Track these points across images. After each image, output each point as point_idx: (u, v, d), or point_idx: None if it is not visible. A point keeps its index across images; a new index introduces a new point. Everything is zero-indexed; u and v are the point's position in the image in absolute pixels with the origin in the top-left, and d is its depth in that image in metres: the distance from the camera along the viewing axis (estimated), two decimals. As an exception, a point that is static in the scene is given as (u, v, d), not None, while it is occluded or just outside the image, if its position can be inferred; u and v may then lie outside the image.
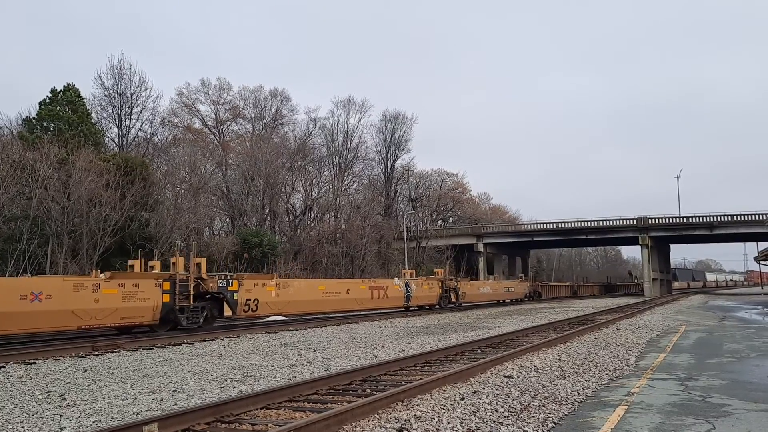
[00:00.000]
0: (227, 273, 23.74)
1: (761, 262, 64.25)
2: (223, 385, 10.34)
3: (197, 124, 68.31)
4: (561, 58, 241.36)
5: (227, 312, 22.57)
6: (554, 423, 7.61)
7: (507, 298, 52.36)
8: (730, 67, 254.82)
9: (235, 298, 22.60)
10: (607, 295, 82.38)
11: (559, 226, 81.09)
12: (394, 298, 32.67)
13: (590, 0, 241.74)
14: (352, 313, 30.66)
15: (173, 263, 21.77)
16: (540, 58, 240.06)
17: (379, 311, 32.81)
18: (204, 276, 22.19)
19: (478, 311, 37.19)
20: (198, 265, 22.25)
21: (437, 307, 37.38)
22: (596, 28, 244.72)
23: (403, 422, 7.14)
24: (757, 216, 69.80)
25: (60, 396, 9.58)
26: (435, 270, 42.82)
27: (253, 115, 72.32)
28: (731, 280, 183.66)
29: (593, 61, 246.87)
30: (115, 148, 51.03)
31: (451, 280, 40.66)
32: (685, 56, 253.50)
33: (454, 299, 39.53)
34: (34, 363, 13.86)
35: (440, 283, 38.21)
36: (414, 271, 39.71)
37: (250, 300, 23.20)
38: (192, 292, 21.32)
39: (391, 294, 32.25)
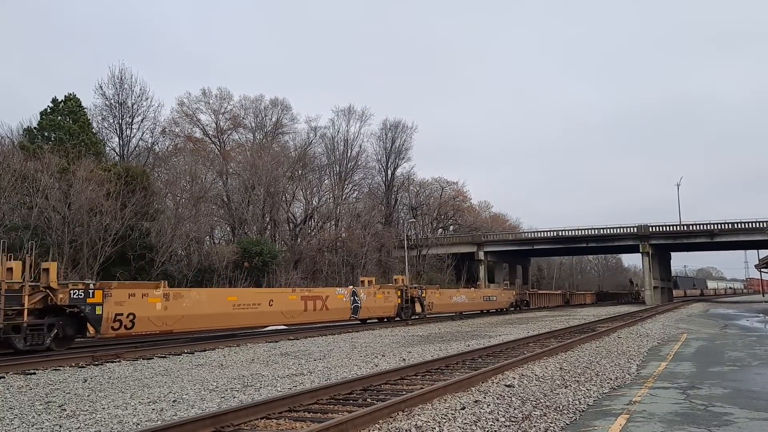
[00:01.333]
0: (90, 282, 20.04)
1: (762, 269, 64.17)
2: (223, 395, 10.31)
3: (198, 134, 68.46)
4: (561, 66, 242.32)
5: (91, 330, 18.37)
6: (556, 432, 7.57)
7: (487, 308, 47.82)
8: (729, 74, 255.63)
9: (98, 312, 18.15)
10: (599, 304, 79.15)
11: (560, 234, 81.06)
12: (336, 311, 28.21)
13: (589, 9, 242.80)
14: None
15: (7, 268, 17.28)
16: (540, 66, 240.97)
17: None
18: (53, 285, 17.86)
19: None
20: (46, 270, 18.10)
21: (397, 319, 33.22)
22: (596, 37, 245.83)
23: (404, 432, 7.10)
24: (757, 224, 69.79)
25: (60, 406, 9.54)
26: (395, 277, 38.45)
27: (253, 125, 72.50)
28: (730, 288, 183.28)
29: (593, 69, 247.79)
30: (116, 158, 51.15)
31: (414, 288, 36.60)
32: (685, 63, 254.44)
33: (418, 310, 35.38)
34: (34, 373, 13.83)
35: (399, 292, 33.72)
36: (374, 279, 35.37)
37: (122, 315, 18.68)
38: (29, 306, 17.10)
39: (333, 305, 27.83)
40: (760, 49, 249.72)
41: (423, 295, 36.04)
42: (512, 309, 52.14)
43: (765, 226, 66.62)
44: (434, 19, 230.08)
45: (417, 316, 35.51)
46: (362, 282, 33.27)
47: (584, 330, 24.98)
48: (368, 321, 31.73)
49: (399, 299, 33.48)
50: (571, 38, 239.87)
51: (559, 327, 27.09)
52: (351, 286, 32.52)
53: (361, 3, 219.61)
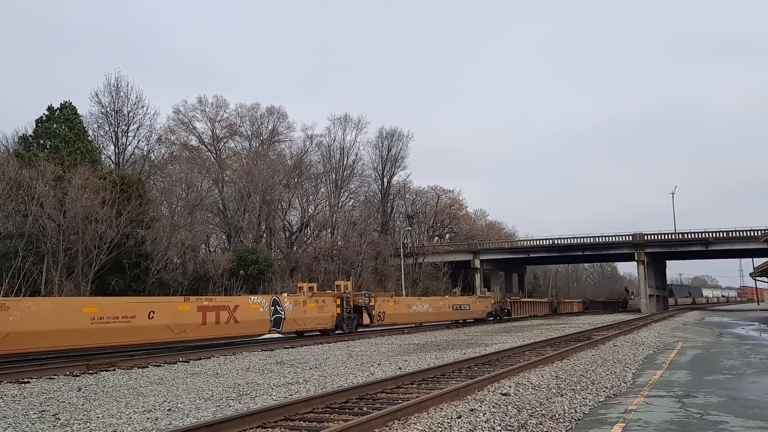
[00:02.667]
0: None
1: (757, 278, 64.36)
2: (218, 404, 10.27)
3: (194, 142, 68.49)
4: (557, 75, 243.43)
5: None
6: (552, 441, 7.57)
7: (459, 318, 42.84)
8: (724, 83, 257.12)
9: None
10: (587, 313, 75.90)
11: (555, 242, 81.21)
12: (249, 323, 23.62)
13: (585, 18, 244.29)
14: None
15: None
16: (536, 74, 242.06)
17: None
18: None
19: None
20: None
21: (338, 332, 29.03)
22: (591, 45, 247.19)
23: (400, 441, 7.08)
24: (752, 232, 70.04)
25: (54, 415, 9.49)
26: (336, 282, 33.88)
27: (249, 133, 72.59)
28: (723, 296, 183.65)
29: (588, 77, 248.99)
30: (112, 166, 51.12)
31: (360, 296, 31.67)
32: (680, 72, 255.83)
33: (366, 321, 31.05)
34: (28, 382, 13.75)
35: (339, 300, 29.24)
36: (315, 285, 30.97)
37: None
38: None
39: (245, 317, 23.25)
40: (755, 57, 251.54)
41: (371, 303, 31.57)
42: (491, 319, 47.24)
43: (760, 234, 66.82)
44: (429, 27, 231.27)
45: (366, 328, 31.46)
46: (300, 288, 29.18)
47: (580, 338, 24.98)
48: (305, 334, 27.86)
49: (339, 309, 28.99)
50: (567, 47, 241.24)
51: (555, 335, 27.09)
52: (272, 294, 28.38)
53: (358, 12, 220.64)
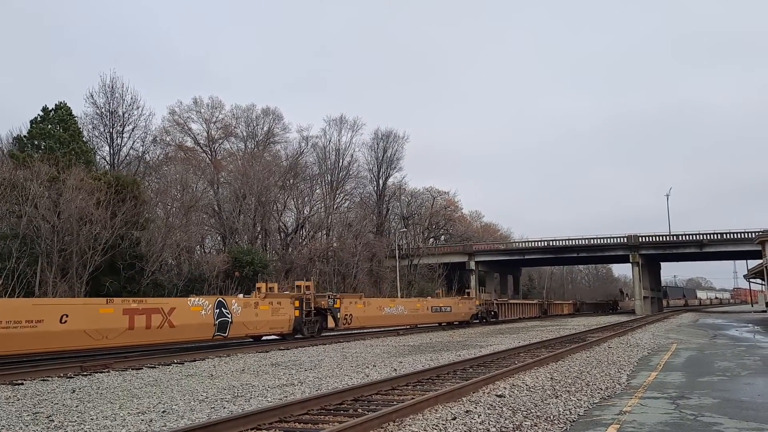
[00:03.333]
0: None
1: (751, 279, 64.63)
2: (213, 406, 10.25)
3: (189, 143, 68.40)
4: (553, 76, 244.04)
5: None
6: (546, 443, 7.58)
7: (440, 321, 40.43)
8: (721, 84, 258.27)
9: None
10: (577, 315, 74.45)
11: (551, 244, 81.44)
12: (187, 328, 21.12)
13: (582, 19, 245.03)
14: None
15: None
16: (532, 75, 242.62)
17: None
18: None
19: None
20: None
21: (298, 336, 26.84)
22: (588, 47, 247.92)
23: (395, 443, 7.08)
24: (745, 234, 70.36)
25: (48, 417, 9.46)
26: (297, 282, 31.18)
27: (245, 134, 72.54)
28: (716, 297, 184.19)
29: (585, 78, 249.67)
30: (107, 167, 50.94)
31: (323, 297, 29.33)
32: (676, 73, 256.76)
33: (331, 324, 28.91)
34: (22, 383, 13.70)
35: (297, 302, 26.82)
36: (276, 285, 28.37)
37: None
38: None
39: (182, 321, 20.80)
40: (751, 60, 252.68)
41: (336, 305, 29.20)
42: (476, 321, 45.14)
43: (753, 236, 67.13)
44: (427, 28, 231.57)
45: (331, 331, 29.47)
46: (258, 288, 26.59)
47: (574, 340, 25.04)
48: (263, 339, 26.13)
49: (297, 311, 26.61)
50: (564, 47, 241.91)
51: (550, 337, 27.15)
52: (217, 295, 25.95)
53: (353, 12, 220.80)
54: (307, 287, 28.91)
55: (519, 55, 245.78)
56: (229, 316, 23.14)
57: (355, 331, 31.63)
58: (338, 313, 29.16)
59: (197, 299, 22.62)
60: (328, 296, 29.61)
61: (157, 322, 20.09)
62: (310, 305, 27.75)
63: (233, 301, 23.85)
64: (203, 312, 22.14)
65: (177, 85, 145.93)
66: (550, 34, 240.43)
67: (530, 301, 67.32)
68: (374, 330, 33.25)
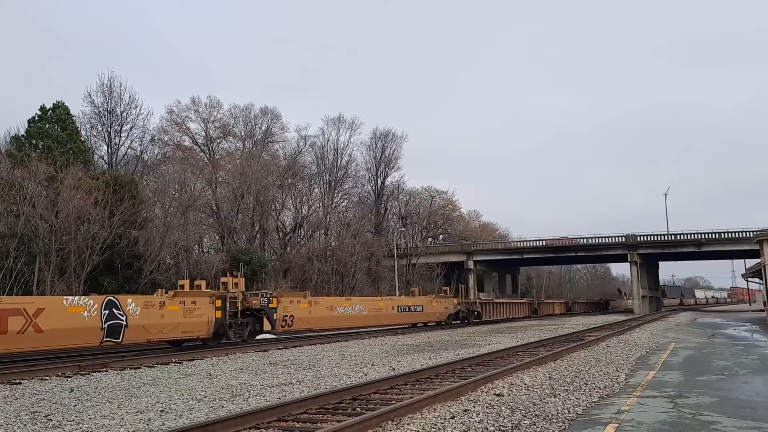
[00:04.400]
0: None
1: (748, 279, 64.69)
2: (211, 405, 10.24)
3: (187, 142, 68.25)
4: (550, 77, 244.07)
5: None
6: (545, 441, 7.59)
7: (408, 322, 36.95)
8: (717, 86, 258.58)
9: None
10: (569, 314, 71.33)
11: (549, 243, 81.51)
12: (60, 333, 17.79)
13: (579, 21, 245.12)
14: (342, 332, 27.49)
15: None
16: (529, 77, 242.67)
17: None
18: None
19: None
20: None
21: (225, 341, 23.79)
22: (585, 48, 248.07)
23: (394, 441, 7.08)
24: (743, 233, 70.44)
25: (46, 416, 9.45)
26: (222, 279, 26.56)
27: (243, 133, 72.41)
28: (712, 297, 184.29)
29: (582, 79, 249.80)
30: (105, 166, 50.90)
31: (255, 295, 26.07)
32: (673, 74, 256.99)
33: (267, 327, 25.83)
34: (20, 383, 13.68)
35: (220, 302, 23.52)
36: (203, 283, 25.49)
37: None
38: None
39: (53, 324, 17.46)
40: (747, 60, 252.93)
41: (272, 304, 25.38)
42: (456, 322, 41.86)
43: (751, 235, 67.22)
44: (425, 29, 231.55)
45: (268, 335, 26.85)
46: (181, 286, 24.28)
47: (573, 339, 25.05)
48: (183, 343, 22.89)
49: (219, 312, 23.33)
50: (560, 49, 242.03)
51: (548, 336, 27.16)
52: (106, 295, 21.60)
53: (351, 13, 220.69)
54: (236, 284, 25.20)
55: (515, 58, 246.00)
56: (124, 318, 19.83)
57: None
58: (275, 314, 25.28)
59: (78, 298, 19.44)
60: (261, 295, 26.11)
61: (17, 327, 16.50)
62: (236, 305, 24.25)
63: (129, 300, 20.39)
64: (86, 314, 18.72)
65: (175, 85, 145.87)
66: (546, 37, 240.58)
67: (519, 300, 63.36)
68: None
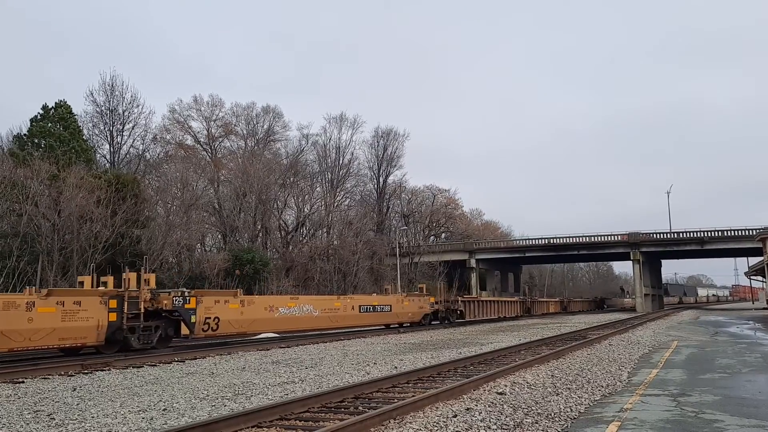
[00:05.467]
0: None
1: (751, 277, 64.60)
2: (214, 404, 10.25)
3: (189, 141, 68.38)
4: (552, 76, 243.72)
5: None
6: (547, 440, 7.58)
7: (372, 323, 33.23)
8: (719, 84, 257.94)
9: None
10: (564, 314, 68.54)
11: (551, 241, 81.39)
12: None
13: (579, 19, 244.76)
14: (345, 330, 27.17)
15: None
16: (531, 75, 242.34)
17: None
18: None
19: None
20: None
21: (131, 348, 19.92)
22: (586, 46, 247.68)
23: (396, 440, 7.07)
24: (746, 231, 70.34)
25: (48, 415, 9.46)
26: (125, 275, 21.21)
27: (245, 132, 72.49)
28: (713, 295, 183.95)
29: (583, 77, 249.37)
30: (107, 165, 51.00)
31: (166, 294, 21.89)
32: (674, 72, 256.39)
33: (185, 332, 22.21)
34: (23, 382, 13.71)
35: (115, 302, 19.74)
36: (111, 279, 21.72)
37: None
38: None
39: None
40: (749, 59, 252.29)
41: (189, 305, 21.78)
42: (436, 323, 38.55)
43: (754, 233, 67.10)
44: (426, 27, 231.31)
45: (189, 339, 23.26)
46: (81, 283, 21.63)
47: (575, 338, 25.05)
48: (80, 351, 19.54)
49: (114, 314, 19.56)
50: (561, 48, 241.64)
51: (551, 335, 27.15)
52: None
53: (354, 11, 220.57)
54: (146, 281, 21.32)
55: (517, 56, 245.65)
56: None
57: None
58: (193, 316, 21.76)
59: None
60: (177, 294, 21.96)
61: None
62: (138, 306, 20.43)
63: None
64: None
65: (176, 85, 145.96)
66: (548, 35, 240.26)
67: (509, 299, 58.45)
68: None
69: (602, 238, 79.65)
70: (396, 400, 9.65)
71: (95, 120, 53.11)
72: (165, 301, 21.41)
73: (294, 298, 28.91)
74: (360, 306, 31.75)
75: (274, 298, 28.15)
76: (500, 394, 10.41)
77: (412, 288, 51.81)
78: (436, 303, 39.15)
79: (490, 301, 50.20)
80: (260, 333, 26.67)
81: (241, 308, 24.11)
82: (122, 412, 9.56)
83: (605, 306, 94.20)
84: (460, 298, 43.25)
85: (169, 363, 17.50)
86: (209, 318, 22.44)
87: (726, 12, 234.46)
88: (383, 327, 34.19)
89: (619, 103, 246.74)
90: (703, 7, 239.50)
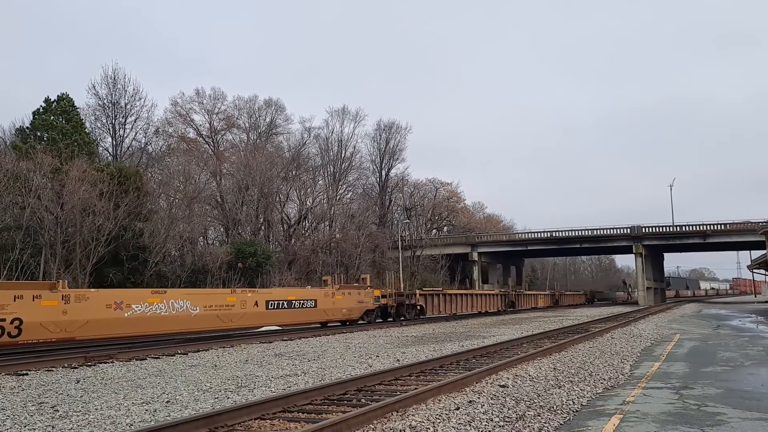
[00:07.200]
0: None
1: (754, 270, 64.50)
2: (217, 396, 10.29)
3: (191, 134, 68.38)
4: (555, 69, 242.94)
5: None
6: (550, 432, 7.59)
7: (287, 323, 27.43)
8: (724, 78, 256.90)
9: None
10: (553, 309, 63.23)
11: (553, 235, 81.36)
12: None
13: (584, 12, 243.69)
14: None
15: None
16: (535, 68, 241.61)
17: None
18: None
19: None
20: None
21: None
22: (590, 40, 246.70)
23: (399, 432, 7.09)
24: (749, 225, 70.21)
25: (52, 407, 9.50)
26: None
27: (247, 125, 72.41)
28: (711, 288, 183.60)
29: (587, 71, 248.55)
30: (109, 158, 51.04)
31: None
32: (679, 67, 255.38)
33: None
34: (26, 374, 13.76)
35: None
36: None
37: None
38: None
39: None
40: (754, 54, 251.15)
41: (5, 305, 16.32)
42: (379, 320, 33.23)
43: (757, 227, 66.98)
44: (429, 20, 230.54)
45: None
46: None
47: (578, 330, 25.07)
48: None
49: None
50: (565, 41, 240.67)
51: (553, 328, 27.18)
52: None
53: (356, 3, 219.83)
54: None
55: (520, 48, 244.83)
56: None
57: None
58: (9, 319, 16.41)
59: None
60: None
61: None
62: None
63: None
64: None
65: (179, 77, 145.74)
66: (551, 27, 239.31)
67: (488, 291, 51.63)
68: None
69: (605, 231, 79.61)
70: (399, 393, 9.67)
71: (97, 113, 53.17)
72: None
73: (159, 292, 21.64)
74: (268, 301, 25.35)
75: (124, 292, 21.27)
76: (503, 386, 10.43)
77: (414, 281, 51.47)
78: (383, 297, 33.29)
79: (461, 294, 42.87)
80: (103, 337, 19.48)
81: (62, 306, 17.92)
82: (126, 404, 9.60)
83: (594, 300, 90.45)
84: (418, 291, 37.66)
85: (172, 355, 17.57)
86: (3, 320, 16.30)
87: (738, 6, 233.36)
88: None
89: (625, 95, 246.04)
90: (713, 1, 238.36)
